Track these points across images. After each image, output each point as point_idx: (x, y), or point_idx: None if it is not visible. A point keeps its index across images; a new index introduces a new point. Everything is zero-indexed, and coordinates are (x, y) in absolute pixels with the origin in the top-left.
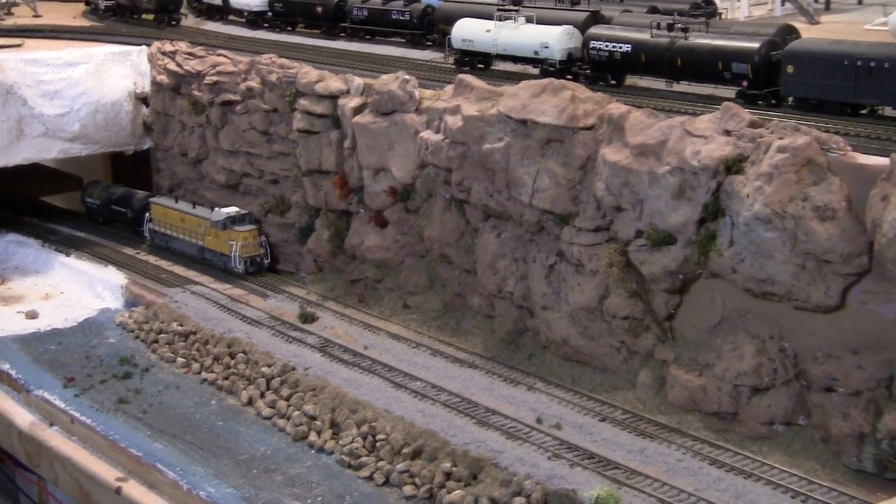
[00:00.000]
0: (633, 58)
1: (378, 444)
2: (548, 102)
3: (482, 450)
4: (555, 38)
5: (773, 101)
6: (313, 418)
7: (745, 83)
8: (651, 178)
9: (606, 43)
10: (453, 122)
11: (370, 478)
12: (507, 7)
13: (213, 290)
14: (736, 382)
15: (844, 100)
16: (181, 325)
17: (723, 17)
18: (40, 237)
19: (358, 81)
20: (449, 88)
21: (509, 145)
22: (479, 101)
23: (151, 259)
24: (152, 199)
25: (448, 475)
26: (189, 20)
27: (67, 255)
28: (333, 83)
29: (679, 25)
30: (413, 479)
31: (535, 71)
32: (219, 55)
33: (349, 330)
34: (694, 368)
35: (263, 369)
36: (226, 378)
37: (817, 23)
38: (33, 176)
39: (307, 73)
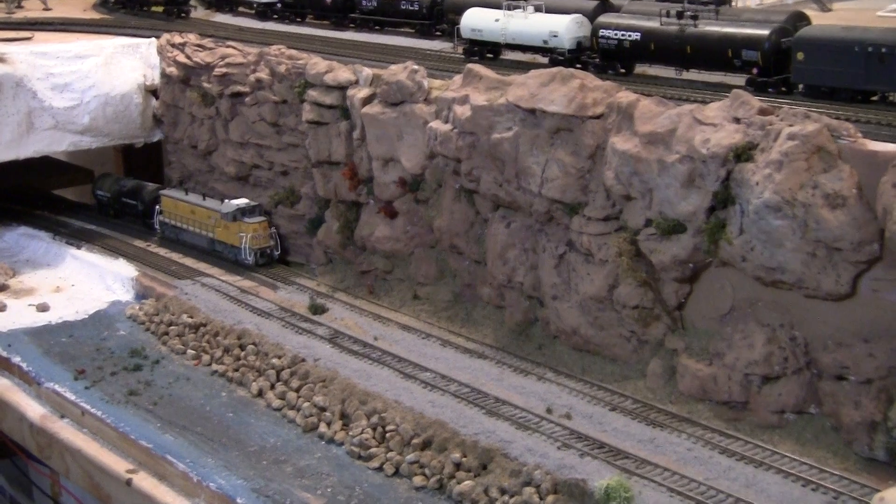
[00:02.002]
0: (642, 46)
1: (388, 434)
2: (557, 91)
3: (492, 440)
4: (564, 27)
5: (784, 89)
6: (323, 409)
7: (755, 71)
8: (660, 167)
9: (615, 31)
10: (462, 112)
11: (380, 469)
12: None
13: (224, 282)
14: (746, 371)
15: (855, 86)
16: (191, 317)
17: (733, 4)
18: (51, 230)
19: (367, 72)
20: (458, 78)
21: (518, 135)
22: (488, 91)
23: (162, 251)
24: (162, 192)
25: (458, 466)
26: (198, 12)
27: (78, 247)
28: (342, 74)
29: (688, 13)
30: (423, 469)
31: (545, 60)
32: (228, 47)
33: (359, 321)
34: (704, 357)
35: (273, 361)
36: (236, 370)
37: (829, 10)
38: (44, 169)
39: (316, 63)
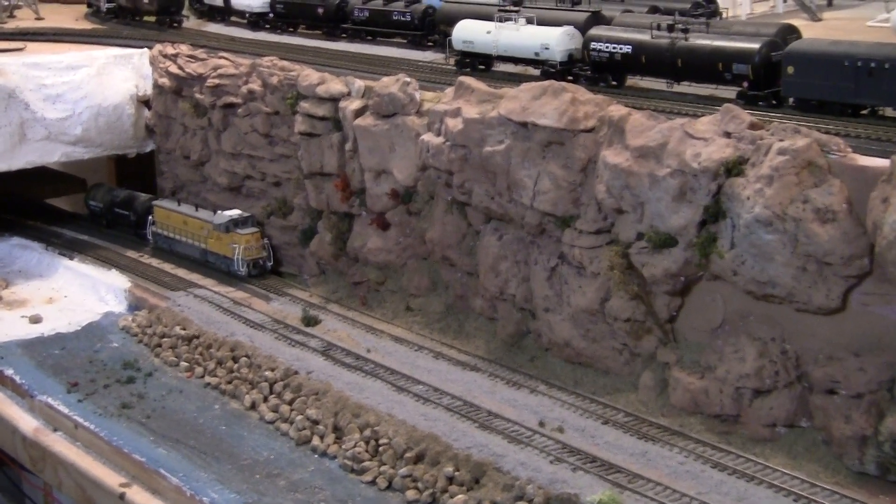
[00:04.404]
0: (633, 59)
1: (381, 448)
2: (548, 105)
3: (484, 454)
4: (555, 39)
5: (774, 102)
6: (316, 422)
7: (745, 84)
8: (652, 181)
9: (607, 44)
10: (454, 124)
11: (373, 482)
12: (507, 8)
13: (216, 294)
14: (738, 385)
15: (845, 100)
16: (184, 329)
17: (724, 15)
18: (44, 240)
19: (359, 84)
20: (450, 91)
21: (510, 148)
22: (480, 104)
23: (154, 262)
24: (155, 202)
25: (451, 479)
26: (190, 22)
27: (71, 258)
28: (334, 85)
29: (679, 26)
30: (416, 483)
31: (536, 72)
32: (220, 57)
33: (352, 333)
34: (696, 371)
35: (266, 373)
36: (229, 382)
37: (819, 20)
38: (37, 178)
39: (308, 75)
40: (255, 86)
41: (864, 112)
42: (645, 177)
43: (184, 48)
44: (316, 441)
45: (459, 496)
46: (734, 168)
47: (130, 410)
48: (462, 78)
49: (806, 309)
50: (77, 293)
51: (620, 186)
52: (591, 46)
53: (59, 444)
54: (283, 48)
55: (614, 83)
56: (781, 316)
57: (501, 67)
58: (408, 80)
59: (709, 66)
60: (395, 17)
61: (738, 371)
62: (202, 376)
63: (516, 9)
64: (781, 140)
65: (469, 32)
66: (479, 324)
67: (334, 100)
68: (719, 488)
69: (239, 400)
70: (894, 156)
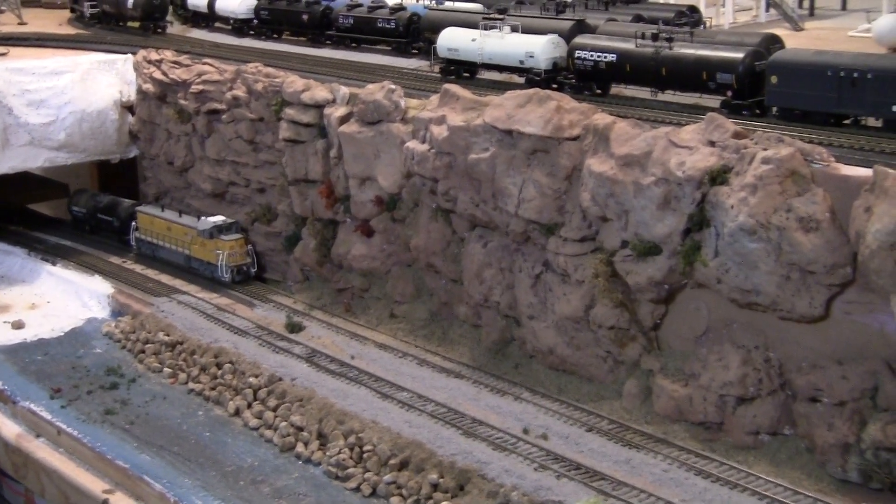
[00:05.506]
0: (618, 67)
1: (365, 455)
2: (533, 113)
3: (469, 461)
4: (540, 48)
5: (758, 111)
6: (300, 429)
7: (729, 93)
8: (636, 189)
9: (591, 52)
10: (439, 132)
11: (357, 489)
12: (492, 16)
13: (200, 300)
14: (721, 392)
15: (828, 110)
16: (168, 335)
17: (708, 24)
18: (26, 246)
19: (344, 91)
20: (434, 98)
21: (495, 155)
22: (465, 112)
23: (138, 268)
24: (139, 208)
25: (435, 486)
26: (175, 27)
27: (54, 264)
28: (319, 92)
29: (664, 35)
30: (400, 490)
31: (521, 80)
32: (205, 64)
33: (336, 339)
34: (680, 378)
35: (250, 380)
36: (213, 388)
37: (801, 29)
38: (19, 183)
39: (293, 82)
40: (240, 92)
41: (847, 122)
42: (629, 185)
43: (168, 54)
44: (300, 448)
45: (444, 503)
46: (718, 177)
47: (114, 416)
48: (447, 85)
49: (789, 317)
50: (60, 299)
51: (605, 194)
52: (576, 55)
53: (42, 451)
54: (267, 54)
55: (599, 91)
56: (765, 324)
57: (486, 75)
58: (393, 87)
59: (693, 76)
60: (379, 25)
61: (721, 379)
62: (186, 382)
63: (501, 17)
64: (765, 149)
65: (454, 40)
66: (464, 331)
67: (319, 106)
68: (703, 496)
69: (223, 406)
70: (877, 165)
